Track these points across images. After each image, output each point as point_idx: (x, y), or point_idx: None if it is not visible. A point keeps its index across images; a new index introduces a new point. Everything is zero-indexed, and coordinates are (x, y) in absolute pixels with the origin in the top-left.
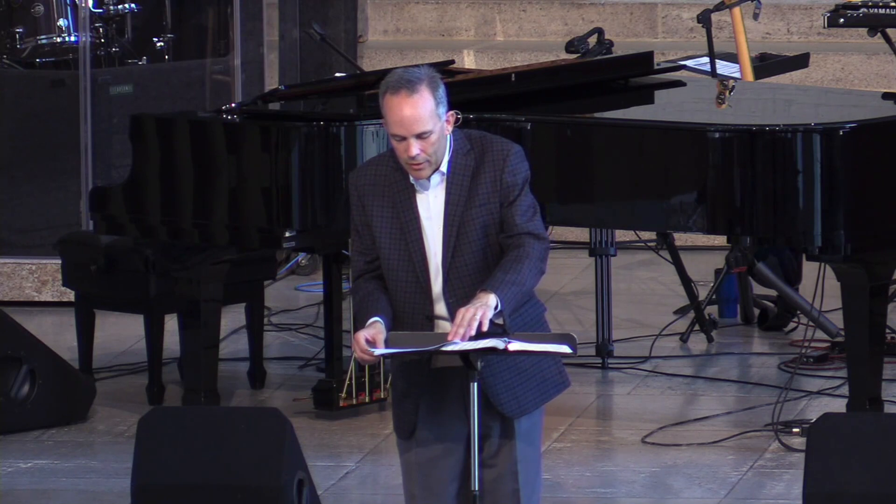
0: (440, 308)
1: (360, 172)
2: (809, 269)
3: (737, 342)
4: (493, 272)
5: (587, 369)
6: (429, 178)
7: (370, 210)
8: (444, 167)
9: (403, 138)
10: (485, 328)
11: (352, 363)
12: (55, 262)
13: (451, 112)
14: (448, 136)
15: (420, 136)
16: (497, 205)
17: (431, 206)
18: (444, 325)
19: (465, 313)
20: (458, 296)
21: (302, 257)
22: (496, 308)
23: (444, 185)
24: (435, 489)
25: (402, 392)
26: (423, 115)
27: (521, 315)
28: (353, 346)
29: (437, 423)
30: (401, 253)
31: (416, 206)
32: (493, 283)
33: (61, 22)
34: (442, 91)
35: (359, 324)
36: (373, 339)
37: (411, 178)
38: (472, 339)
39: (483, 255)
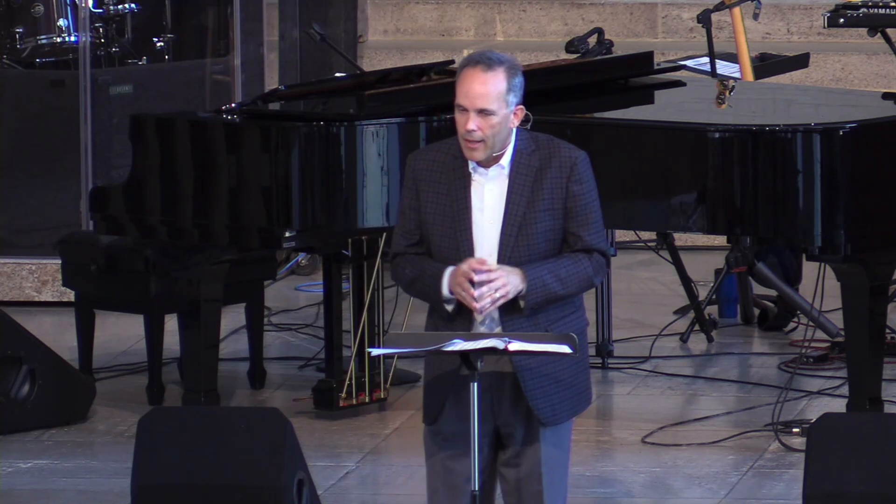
0: None
1: (420, 156)
2: (809, 269)
3: (737, 342)
4: (549, 260)
5: None
6: (487, 168)
7: (424, 195)
8: (505, 161)
9: (465, 110)
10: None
11: (352, 363)
12: (55, 262)
13: (521, 107)
14: (513, 129)
15: (481, 113)
16: (561, 211)
17: (486, 197)
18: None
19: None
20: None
21: (302, 257)
22: (520, 292)
23: (504, 179)
24: (457, 485)
25: (432, 379)
26: (490, 93)
27: (564, 325)
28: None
29: (463, 419)
30: (450, 241)
31: (469, 195)
32: (538, 272)
33: (61, 22)
34: (519, 81)
35: (420, 285)
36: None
37: (470, 166)
38: (472, 339)
39: (542, 259)
